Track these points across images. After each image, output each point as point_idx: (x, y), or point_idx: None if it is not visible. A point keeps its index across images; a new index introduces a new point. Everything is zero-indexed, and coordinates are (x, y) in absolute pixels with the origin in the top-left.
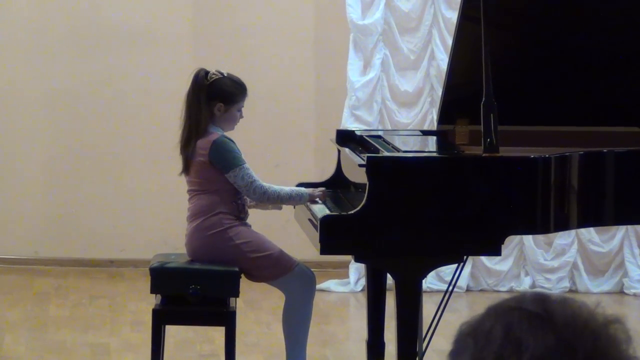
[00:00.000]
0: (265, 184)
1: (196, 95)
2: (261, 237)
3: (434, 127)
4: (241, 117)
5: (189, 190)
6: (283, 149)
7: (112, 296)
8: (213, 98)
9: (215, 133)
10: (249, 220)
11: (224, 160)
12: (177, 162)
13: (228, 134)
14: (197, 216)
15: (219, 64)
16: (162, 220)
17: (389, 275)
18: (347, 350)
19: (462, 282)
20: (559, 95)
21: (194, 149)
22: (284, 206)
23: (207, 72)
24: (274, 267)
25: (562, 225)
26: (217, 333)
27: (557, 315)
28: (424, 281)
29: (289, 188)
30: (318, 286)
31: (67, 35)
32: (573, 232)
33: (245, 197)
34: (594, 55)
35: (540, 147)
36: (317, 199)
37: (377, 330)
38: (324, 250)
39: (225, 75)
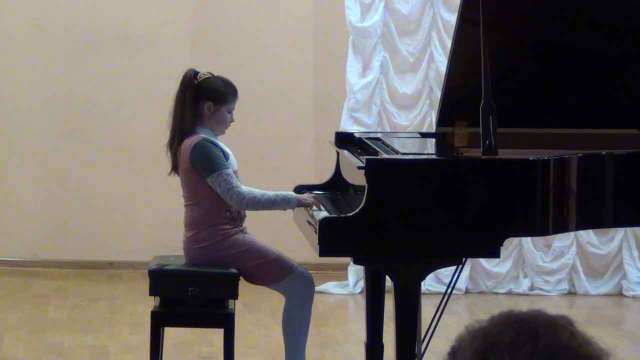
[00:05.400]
0: (245, 190)
1: (182, 94)
2: (258, 244)
3: (433, 129)
4: (232, 120)
5: (183, 196)
6: (282, 151)
7: (111, 298)
8: (202, 97)
9: (199, 135)
10: (246, 222)
11: (203, 164)
12: None
13: (220, 137)
14: (191, 227)
15: (218, 67)
16: (160, 222)
17: (387, 277)
18: (346, 352)
19: (461, 284)
20: (558, 98)
21: (178, 149)
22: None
23: (196, 72)
24: (272, 272)
25: (561, 227)
26: (216, 335)
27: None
28: (422, 283)
29: (273, 193)
30: (317, 288)
31: (66, 39)
32: (572, 234)
33: None
34: (593, 57)
35: (539, 150)
36: (311, 207)
37: (376, 332)
38: (322, 253)
39: (215, 75)
